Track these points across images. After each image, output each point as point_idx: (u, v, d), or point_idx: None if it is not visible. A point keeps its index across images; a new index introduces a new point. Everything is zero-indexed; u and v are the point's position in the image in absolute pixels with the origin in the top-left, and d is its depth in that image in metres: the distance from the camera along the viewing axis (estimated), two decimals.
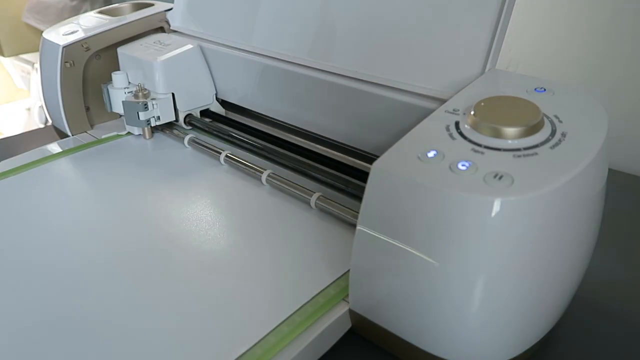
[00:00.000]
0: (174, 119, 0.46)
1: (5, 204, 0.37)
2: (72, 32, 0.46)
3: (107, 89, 0.46)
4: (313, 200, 0.35)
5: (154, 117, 0.44)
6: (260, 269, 0.30)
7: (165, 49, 0.45)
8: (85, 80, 0.47)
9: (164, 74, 0.44)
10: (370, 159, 0.34)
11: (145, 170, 0.42)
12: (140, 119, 0.44)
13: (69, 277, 0.30)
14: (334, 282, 0.29)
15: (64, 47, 0.44)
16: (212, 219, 0.35)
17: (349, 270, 0.26)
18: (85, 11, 0.55)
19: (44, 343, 0.26)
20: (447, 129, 0.25)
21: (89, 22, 0.48)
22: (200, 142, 0.43)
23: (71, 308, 0.28)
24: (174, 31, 0.50)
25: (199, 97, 0.47)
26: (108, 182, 0.40)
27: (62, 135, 0.49)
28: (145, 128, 0.46)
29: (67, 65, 0.45)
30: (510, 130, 0.23)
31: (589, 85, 0.50)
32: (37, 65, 0.50)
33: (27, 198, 0.38)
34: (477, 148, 0.23)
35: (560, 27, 0.50)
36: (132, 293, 0.29)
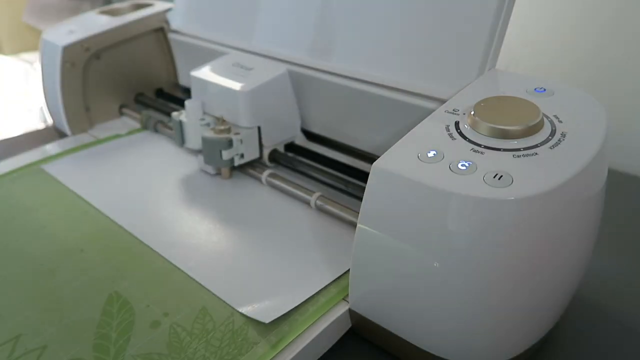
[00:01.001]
0: (259, 156, 0.40)
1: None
2: (72, 32, 0.46)
3: (180, 122, 0.39)
4: (313, 200, 0.35)
5: (237, 154, 0.38)
6: (260, 269, 0.30)
7: (251, 75, 0.38)
8: (85, 80, 0.47)
9: (252, 105, 0.37)
10: (370, 159, 0.34)
11: (145, 170, 0.42)
12: (224, 158, 0.37)
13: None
14: (334, 281, 0.29)
15: (63, 47, 0.44)
16: (212, 219, 0.35)
17: (349, 270, 0.26)
18: (85, 11, 0.55)
19: None
20: (447, 129, 0.25)
21: (89, 22, 0.48)
22: None
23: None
24: (175, 31, 0.50)
25: (286, 129, 0.41)
26: (108, 182, 0.40)
27: (62, 135, 0.49)
28: (225, 168, 0.39)
29: (67, 65, 0.45)
30: (510, 130, 0.23)
31: (589, 85, 0.50)
32: (37, 65, 0.49)
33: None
34: (477, 148, 0.23)
35: (561, 27, 0.50)
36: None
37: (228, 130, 0.37)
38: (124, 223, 0.34)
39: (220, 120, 0.38)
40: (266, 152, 0.39)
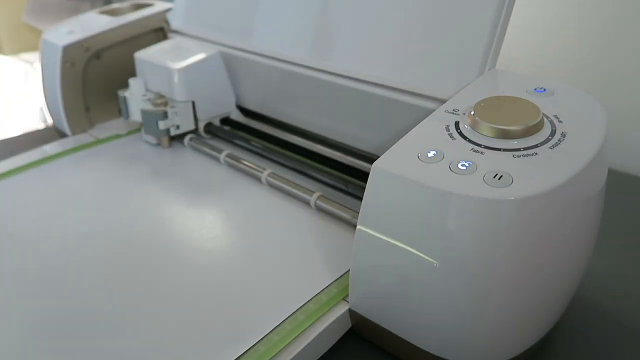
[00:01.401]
0: (194, 128, 0.44)
1: (5, 204, 0.37)
2: (72, 32, 0.46)
3: (125, 97, 0.44)
4: (313, 200, 0.35)
5: (173, 126, 0.43)
6: (260, 269, 0.30)
7: (185, 55, 0.43)
8: (85, 80, 0.47)
9: (185, 81, 0.42)
10: (370, 159, 0.34)
11: (145, 170, 0.42)
12: (160, 128, 0.42)
13: (67, 278, 0.30)
14: (334, 281, 0.29)
15: (64, 47, 0.44)
16: (213, 219, 0.35)
17: (349, 270, 0.26)
18: (85, 11, 0.55)
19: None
20: (447, 129, 0.25)
21: (89, 22, 0.48)
22: (200, 142, 0.43)
23: (67, 309, 0.28)
24: (175, 31, 0.50)
25: (220, 104, 0.46)
26: (108, 182, 0.40)
27: (62, 135, 0.49)
28: (164, 137, 0.44)
29: (67, 65, 0.45)
30: (510, 130, 0.23)
31: (588, 85, 0.50)
32: (37, 65, 0.49)
33: (27, 198, 0.38)
34: (477, 148, 0.23)
35: (561, 27, 0.50)
36: (133, 292, 0.29)
37: (165, 104, 0.42)
38: (124, 223, 0.34)
39: (158, 95, 0.42)
40: (201, 125, 0.44)
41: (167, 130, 0.43)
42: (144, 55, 0.45)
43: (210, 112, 0.45)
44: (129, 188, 0.39)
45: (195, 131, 0.45)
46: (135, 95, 0.43)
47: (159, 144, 0.45)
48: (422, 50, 0.32)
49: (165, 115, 0.42)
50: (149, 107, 0.42)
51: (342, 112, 0.38)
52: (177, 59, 0.43)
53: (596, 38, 0.48)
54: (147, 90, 0.44)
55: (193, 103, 0.43)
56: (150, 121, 0.42)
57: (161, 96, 0.42)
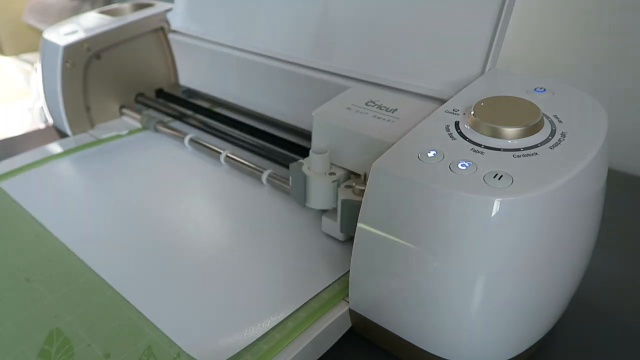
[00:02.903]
0: None
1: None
2: (73, 32, 0.46)
3: (304, 174, 0.31)
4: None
5: None
6: (260, 269, 0.30)
7: (398, 120, 0.29)
8: (85, 80, 0.47)
9: None
10: None
11: (146, 170, 0.42)
12: None
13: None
14: (334, 282, 0.29)
15: (64, 47, 0.45)
16: (214, 219, 0.35)
17: (349, 271, 0.26)
18: (86, 11, 0.55)
19: None
20: (447, 129, 0.25)
21: (90, 22, 0.48)
22: (200, 142, 0.43)
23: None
24: (175, 31, 0.50)
25: None
26: (108, 182, 0.40)
27: (63, 135, 0.49)
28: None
29: (68, 65, 0.45)
30: (510, 130, 0.23)
31: (588, 85, 0.50)
32: (38, 65, 0.49)
33: (27, 198, 0.38)
34: (477, 148, 0.23)
35: (561, 27, 0.50)
36: (134, 292, 0.29)
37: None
38: (78, 249, 0.32)
39: (356, 178, 0.31)
40: None
41: None
42: (331, 117, 0.31)
43: None
44: (129, 188, 0.39)
45: None
46: (319, 174, 0.31)
47: (348, 241, 0.32)
48: (422, 50, 0.32)
49: None
50: (348, 195, 0.29)
51: None
52: (388, 126, 0.29)
53: (596, 38, 0.48)
54: (332, 165, 0.31)
55: None
56: (354, 217, 0.26)
57: (365, 180, 0.30)
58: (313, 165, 0.31)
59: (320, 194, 0.31)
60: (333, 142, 0.31)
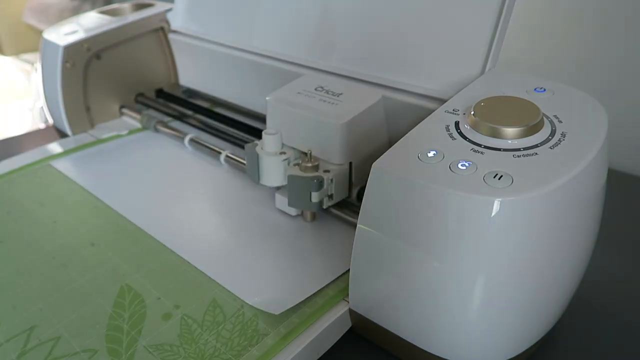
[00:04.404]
0: (347, 196, 0.34)
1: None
2: (73, 32, 0.46)
3: (257, 154, 0.33)
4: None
5: (327, 196, 0.32)
6: (260, 269, 0.30)
7: (342, 103, 0.32)
8: (85, 80, 0.47)
9: (347, 139, 0.31)
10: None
11: (146, 170, 0.42)
12: (313, 200, 0.31)
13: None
14: (334, 282, 0.29)
15: (64, 47, 0.45)
16: (214, 219, 0.35)
17: (349, 270, 0.26)
18: (86, 11, 0.55)
19: None
20: (447, 129, 0.25)
21: (90, 22, 0.48)
22: (200, 142, 0.43)
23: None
24: (175, 31, 0.50)
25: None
26: (108, 182, 0.40)
27: (63, 135, 0.49)
28: (309, 211, 0.34)
29: (68, 65, 0.45)
30: (510, 130, 0.23)
31: (588, 85, 0.50)
32: (38, 65, 0.49)
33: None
34: (477, 148, 0.23)
35: (561, 27, 0.50)
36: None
37: (316, 168, 0.32)
38: (133, 218, 0.35)
39: (305, 156, 0.32)
40: (355, 191, 0.34)
41: (320, 203, 0.32)
42: (282, 100, 0.34)
43: (367, 173, 0.32)
44: (129, 188, 0.39)
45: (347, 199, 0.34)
46: (271, 154, 0.33)
47: (299, 215, 0.35)
48: (422, 50, 0.32)
49: (320, 185, 0.31)
50: (295, 171, 0.32)
51: None
52: (333, 108, 0.32)
53: (596, 38, 0.48)
54: (283, 145, 0.33)
55: (350, 164, 0.33)
56: (300, 191, 0.31)
57: (310, 157, 0.32)
58: (265, 145, 0.33)
59: (271, 171, 0.33)
60: (284, 124, 0.34)
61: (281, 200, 0.34)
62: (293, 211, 0.34)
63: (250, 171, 0.34)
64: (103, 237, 0.33)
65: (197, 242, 0.33)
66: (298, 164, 0.32)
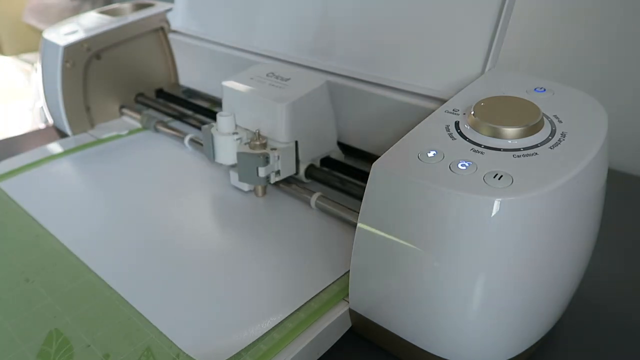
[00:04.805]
0: (295, 173, 0.37)
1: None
2: (73, 32, 0.46)
3: (211, 134, 0.36)
4: (313, 200, 0.35)
5: (274, 172, 0.35)
6: (260, 269, 0.30)
7: (288, 87, 0.36)
8: (85, 80, 0.47)
9: (291, 119, 0.35)
10: (371, 158, 0.34)
11: (145, 170, 0.42)
12: (260, 175, 0.35)
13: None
14: (334, 282, 0.29)
15: (64, 47, 0.45)
16: (214, 219, 0.35)
17: (349, 271, 0.26)
18: (86, 11, 0.55)
19: None
20: (447, 129, 0.25)
21: (90, 22, 0.48)
22: (200, 142, 0.43)
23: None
24: (175, 31, 0.50)
25: (324, 143, 0.38)
26: (108, 182, 0.40)
27: (63, 135, 0.49)
28: (259, 186, 0.37)
29: (68, 65, 0.45)
30: (510, 131, 0.23)
31: (588, 85, 0.50)
32: (38, 65, 0.49)
33: (27, 198, 0.38)
34: (477, 148, 0.23)
35: (561, 27, 0.50)
36: (133, 292, 0.29)
37: (264, 146, 0.35)
38: (76, 249, 0.32)
39: (255, 136, 0.35)
40: (302, 168, 0.37)
41: (267, 178, 0.36)
42: (235, 86, 0.37)
43: (314, 153, 0.38)
44: (129, 188, 0.39)
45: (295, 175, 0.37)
46: (224, 134, 0.36)
47: (251, 191, 0.38)
48: (422, 50, 0.33)
49: (266, 160, 0.34)
50: (245, 149, 0.35)
51: (342, 112, 0.38)
52: (279, 92, 0.36)
53: (596, 38, 0.48)
54: (237, 126, 0.37)
55: (296, 143, 0.36)
56: (248, 167, 0.35)
57: (259, 136, 0.35)
58: (219, 127, 0.36)
59: (225, 150, 0.36)
60: (237, 107, 0.37)
61: (234, 177, 0.38)
62: (245, 186, 0.37)
63: (207, 150, 0.37)
64: (39, 271, 0.30)
65: (139, 274, 0.30)
66: (248, 143, 0.35)
